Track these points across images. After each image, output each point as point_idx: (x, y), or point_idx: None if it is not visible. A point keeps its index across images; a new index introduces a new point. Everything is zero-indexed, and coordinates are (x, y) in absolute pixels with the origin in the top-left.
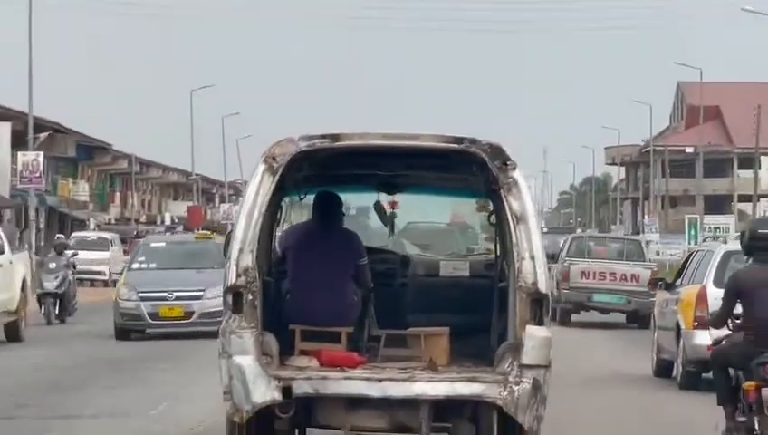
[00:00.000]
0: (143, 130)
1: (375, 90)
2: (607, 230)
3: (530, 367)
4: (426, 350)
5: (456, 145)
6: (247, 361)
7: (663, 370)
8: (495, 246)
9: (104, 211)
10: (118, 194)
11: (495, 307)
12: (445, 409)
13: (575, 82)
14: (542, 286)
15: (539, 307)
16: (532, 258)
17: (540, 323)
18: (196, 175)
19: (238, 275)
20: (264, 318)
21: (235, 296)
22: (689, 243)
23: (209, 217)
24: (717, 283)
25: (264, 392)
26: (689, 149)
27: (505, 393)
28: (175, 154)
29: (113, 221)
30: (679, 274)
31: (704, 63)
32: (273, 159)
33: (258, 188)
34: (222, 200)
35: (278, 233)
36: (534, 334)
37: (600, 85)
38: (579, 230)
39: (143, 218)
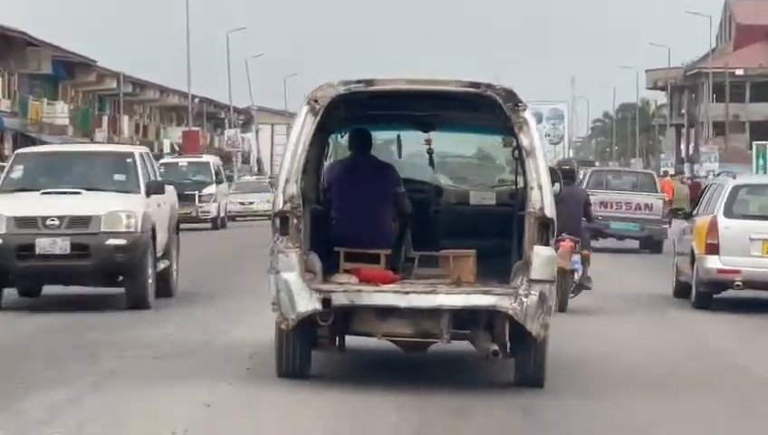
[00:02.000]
0: (134, 46)
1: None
2: (626, 164)
3: (537, 281)
4: (454, 269)
5: (474, 89)
6: (292, 276)
7: (682, 291)
8: (516, 177)
9: (87, 136)
10: (106, 118)
11: (515, 232)
12: (464, 318)
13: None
14: (548, 212)
15: (545, 230)
16: (540, 187)
17: (546, 243)
18: (195, 97)
19: (284, 202)
20: (312, 241)
21: (282, 220)
22: (756, 172)
23: (216, 145)
24: (727, 213)
25: (306, 303)
26: (739, 72)
27: (515, 304)
28: (176, 75)
29: None
30: (696, 204)
31: None
32: (316, 101)
33: (302, 127)
34: (229, 125)
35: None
36: (541, 253)
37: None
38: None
39: (138, 145)
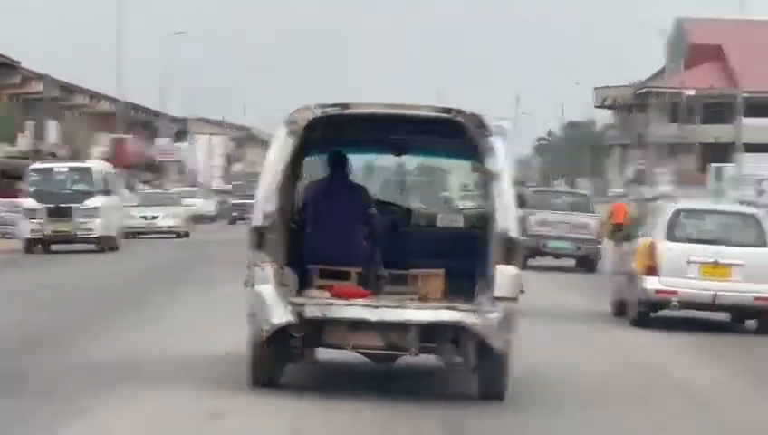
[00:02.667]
0: (62, 47)
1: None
2: (573, 185)
3: (501, 299)
4: (422, 288)
5: (444, 114)
6: (267, 289)
7: (620, 310)
8: (486, 201)
9: (8, 142)
10: (33, 124)
11: (482, 252)
12: (431, 332)
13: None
14: (513, 233)
15: (510, 250)
16: (505, 210)
17: (510, 263)
18: (126, 103)
19: (262, 218)
20: (289, 258)
21: (259, 235)
22: (714, 197)
23: (148, 154)
24: (668, 236)
25: (280, 315)
26: (690, 92)
27: (479, 320)
28: (109, 80)
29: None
30: (636, 226)
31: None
32: (293, 123)
33: (280, 148)
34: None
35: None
36: (505, 272)
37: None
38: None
39: (63, 152)
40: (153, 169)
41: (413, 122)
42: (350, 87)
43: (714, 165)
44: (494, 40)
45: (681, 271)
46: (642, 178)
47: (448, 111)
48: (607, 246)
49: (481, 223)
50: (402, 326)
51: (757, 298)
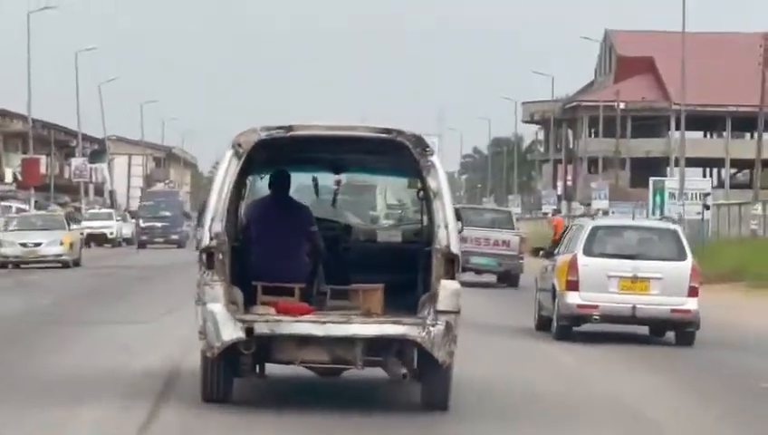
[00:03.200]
0: None
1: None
2: (503, 201)
3: (443, 312)
4: (364, 302)
5: (386, 135)
6: (217, 307)
7: (543, 325)
8: (422, 216)
9: None
10: None
11: (421, 267)
12: (376, 346)
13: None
14: (454, 249)
15: (451, 265)
16: (446, 226)
17: (452, 277)
18: (38, 122)
19: (211, 239)
20: (232, 275)
21: (209, 256)
22: (653, 214)
23: (66, 175)
24: (587, 252)
25: (230, 332)
26: (620, 106)
27: (423, 333)
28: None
29: None
30: (557, 244)
31: (633, 10)
32: (239, 145)
33: (227, 170)
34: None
35: (243, 207)
36: (447, 287)
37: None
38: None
39: None
40: (69, 191)
41: (354, 142)
42: (274, 105)
43: (653, 178)
44: (416, 55)
45: (601, 286)
46: (572, 195)
47: (389, 131)
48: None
49: (418, 238)
50: (348, 341)
51: (674, 310)
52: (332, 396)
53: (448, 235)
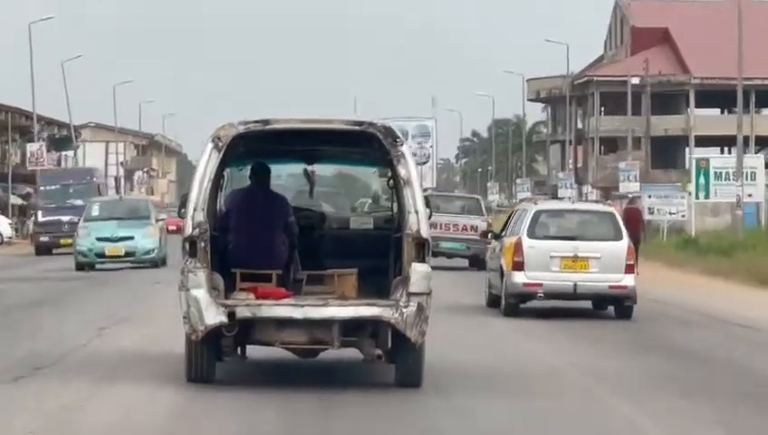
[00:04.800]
0: None
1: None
2: (510, 186)
3: (415, 294)
4: (338, 286)
5: (358, 127)
6: (201, 293)
7: (493, 302)
8: (392, 204)
9: None
10: None
11: (392, 252)
12: (352, 328)
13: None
14: (424, 233)
15: (421, 249)
16: (416, 212)
17: (422, 260)
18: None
19: (193, 228)
20: (212, 263)
21: (191, 244)
22: (698, 197)
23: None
24: (531, 234)
25: (213, 316)
26: (635, 80)
27: (397, 314)
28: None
29: None
30: (505, 226)
31: None
32: (219, 139)
33: (207, 163)
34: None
35: (222, 197)
36: (418, 269)
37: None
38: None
39: None
40: (30, 181)
41: (327, 134)
42: (262, 94)
43: (694, 157)
44: (407, 39)
45: (545, 265)
46: (583, 178)
47: (360, 123)
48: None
49: (389, 225)
50: (326, 323)
51: (612, 286)
52: (310, 376)
53: (419, 220)
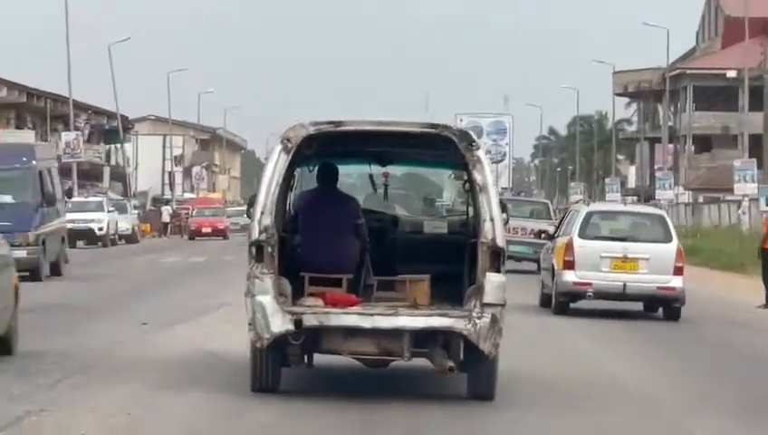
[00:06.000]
0: None
1: None
2: (598, 187)
3: (489, 305)
4: (410, 293)
5: (432, 130)
6: (267, 299)
7: (545, 301)
8: (467, 208)
9: None
10: None
11: (467, 258)
12: (423, 338)
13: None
14: (500, 242)
15: (496, 258)
16: (492, 220)
17: (497, 270)
18: (24, 88)
19: (260, 232)
20: (280, 266)
21: (258, 249)
22: None
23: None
24: (582, 235)
25: (280, 324)
26: (731, 74)
27: (470, 326)
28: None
29: None
30: (558, 227)
31: None
32: (288, 140)
33: (276, 164)
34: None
35: (291, 198)
36: (493, 280)
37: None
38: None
39: None
40: (66, 174)
41: (400, 136)
42: (331, 94)
43: None
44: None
45: (595, 265)
46: (675, 179)
47: (435, 126)
48: None
49: (464, 229)
50: (395, 332)
51: (659, 287)
52: (379, 386)
53: (494, 228)
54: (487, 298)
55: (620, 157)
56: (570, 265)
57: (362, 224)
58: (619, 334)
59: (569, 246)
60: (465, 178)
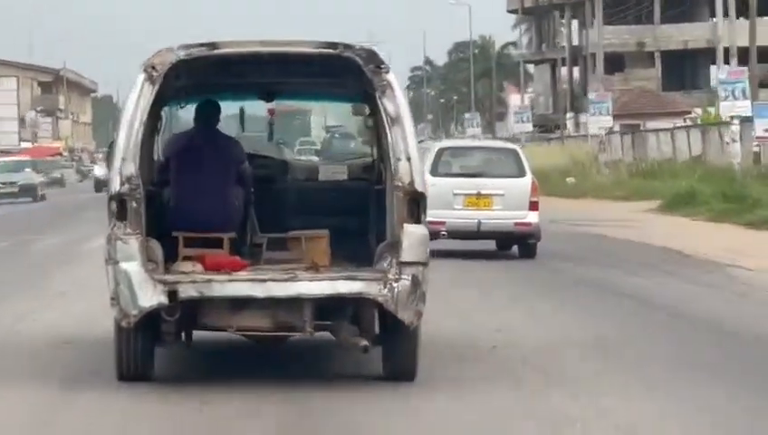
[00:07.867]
0: None
1: None
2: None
3: (409, 264)
4: (307, 252)
5: (330, 50)
6: (133, 266)
7: None
8: (372, 149)
9: None
10: None
11: (373, 209)
12: (327, 308)
13: None
14: (419, 186)
15: (416, 206)
16: (408, 159)
17: (417, 221)
18: None
19: (122, 184)
20: (148, 226)
21: (120, 204)
22: None
23: None
24: (433, 172)
25: (150, 297)
26: None
27: (385, 290)
28: None
29: None
30: None
31: None
32: (153, 68)
33: (139, 98)
34: None
35: (159, 142)
36: (412, 232)
37: None
38: None
39: None
40: None
41: (291, 63)
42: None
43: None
44: None
45: (447, 203)
46: (580, 105)
47: (334, 45)
48: None
49: (367, 174)
50: (295, 302)
51: (517, 223)
52: (274, 366)
53: (411, 168)
54: (406, 256)
55: (506, 84)
56: None
57: (247, 168)
58: (480, 277)
59: None
60: (369, 110)
